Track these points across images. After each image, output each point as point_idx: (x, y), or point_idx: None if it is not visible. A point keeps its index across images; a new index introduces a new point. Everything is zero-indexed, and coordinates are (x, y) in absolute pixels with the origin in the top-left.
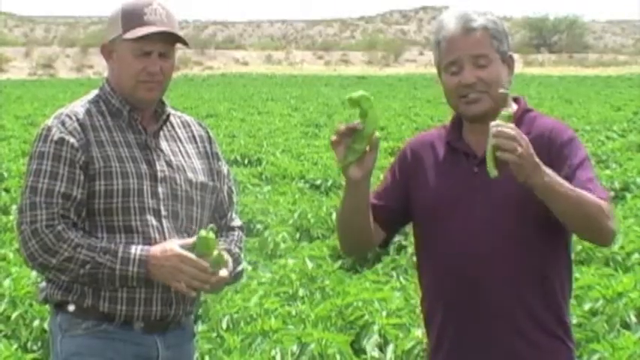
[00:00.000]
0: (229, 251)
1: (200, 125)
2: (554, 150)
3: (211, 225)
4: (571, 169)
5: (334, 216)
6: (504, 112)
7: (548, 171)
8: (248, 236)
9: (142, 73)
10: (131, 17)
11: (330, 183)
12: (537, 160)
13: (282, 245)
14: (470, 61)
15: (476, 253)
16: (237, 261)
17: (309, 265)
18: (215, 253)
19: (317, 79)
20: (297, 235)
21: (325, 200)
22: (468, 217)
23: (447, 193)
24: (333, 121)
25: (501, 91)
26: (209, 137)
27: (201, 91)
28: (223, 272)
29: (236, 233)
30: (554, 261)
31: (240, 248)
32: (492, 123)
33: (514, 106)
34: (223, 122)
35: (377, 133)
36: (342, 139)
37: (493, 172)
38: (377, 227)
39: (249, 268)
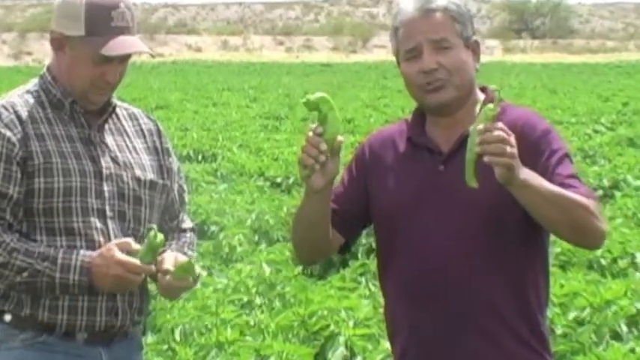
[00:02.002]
0: (183, 255)
1: (149, 118)
2: (528, 144)
3: (151, 225)
4: (549, 165)
5: None
6: (487, 109)
7: (525, 169)
8: (201, 239)
9: (99, 79)
10: (96, 20)
11: (291, 180)
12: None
13: (239, 249)
14: (430, 45)
15: (441, 259)
16: None
17: (268, 270)
18: (185, 260)
19: (277, 67)
20: (255, 238)
21: (286, 199)
22: (431, 221)
23: (409, 195)
24: (295, 112)
25: (492, 87)
26: (159, 131)
27: (151, 80)
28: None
29: (188, 236)
30: (529, 267)
31: (193, 252)
32: (474, 127)
33: (481, 97)
34: (174, 114)
35: (340, 137)
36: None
37: (473, 182)
38: (335, 232)
39: (203, 273)
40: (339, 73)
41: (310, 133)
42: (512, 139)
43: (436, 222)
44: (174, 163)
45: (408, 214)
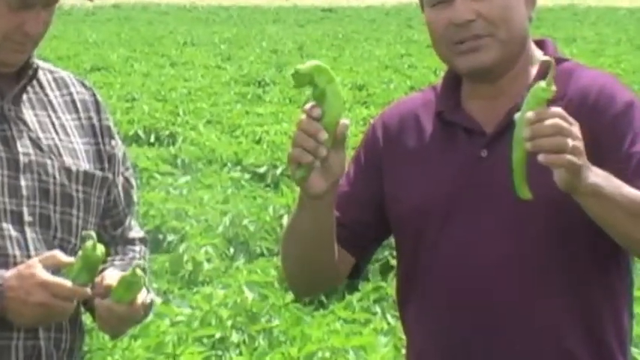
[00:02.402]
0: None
1: (83, 85)
2: (603, 124)
3: (88, 232)
4: (632, 155)
5: (285, 221)
6: (539, 89)
7: (596, 169)
8: (155, 252)
9: (16, 32)
10: None
11: (279, 171)
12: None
13: (207, 266)
14: None
15: (485, 279)
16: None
17: (249, 295)
18: (130, 275)
19: (261, 14)
20: (230, 251)
21: (273, 197)
22: (471, 228)
23: (439, 193)
24: (285, 76)
25: (544, 59)
26: (96, 103)
27: (85, 31)
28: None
29: (137, 249)
30: (606, 292)
31: (144, 270)
32: (522, 114)
33: (538, 54)
34: (117, 79)
35: (344, 120)
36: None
37: (525, 192)
38: (342, 252)
39: (158, 300)
40: (346, 22)
41: (304, 118)
42: (576, 129)
43: (478, 229)
44: (119, 148)
45: (439, 220)
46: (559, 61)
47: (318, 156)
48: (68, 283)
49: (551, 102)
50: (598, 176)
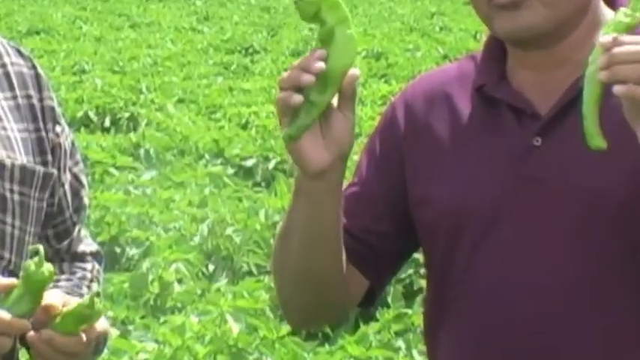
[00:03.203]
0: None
1: (19, 54)
2: None
3: (35, 246)
4: None
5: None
6: (620, 11)
7: None
8: (111, 270)
9: None
10: None
11: (273, 164)
12: None
13: (178, 288)
14: None
15: (541, 300)
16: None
17: (233, 326)
18: (79, 303)
19: None
20: (209, 269)
21: (263, 198)
22: (523, 235)
23: (481, 191)
24: (280, 41)
25: (622, 12)
26: (37, 77)
27: None
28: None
29: (88, 266)
30: None
31: (98, 295)
32: (599, 41)
33: (607, 14)
34: (62, 45)
35: (354, 70)
36: (293, 94)
37: (598, 139)
38: (352, 272)
39: (114, 331)
40: None
41: (302, 58)
42: None
43: (530, 237)
44: (65, 136)
45: (480, 226)
46: None
47: (317, 104)
48: (4, 314)
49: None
50: None
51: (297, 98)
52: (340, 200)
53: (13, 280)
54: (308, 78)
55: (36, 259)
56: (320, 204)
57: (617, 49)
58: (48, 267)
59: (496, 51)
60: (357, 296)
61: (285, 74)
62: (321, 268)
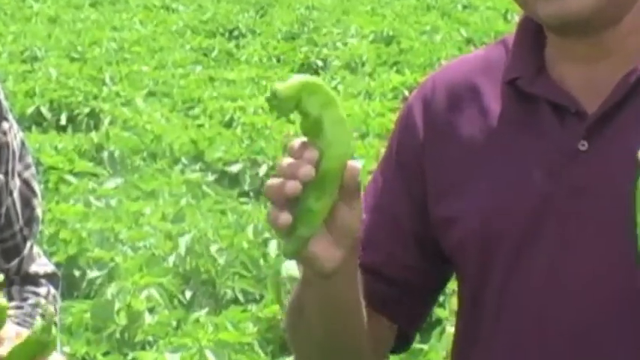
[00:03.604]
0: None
1: None
2: None
3: None
4: None
5: (274, 248)
6: None
7: None
8: (69, 296)
9: None
10: None
11: (263, 170)
12: None
13: (150, 318)
14: None
15: (589, 326)
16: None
17: None
18: (30, 338)
19: None
20: (186, 295)
21: (251, 211)
22: (568, 255)
23: (518, 203)
24: (272, 23)
25: None
26: None
27: None
28: None
29: (42, 291)
30: None
31: (55, 325)
32: None
33: None
34: (9, 27)
35: (354, 163)
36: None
37: None
38: (376, 317)
39: None
40: None
41: (287, 162)
42: None
43: (576, 256)
44: (14, 135)
45: (517, 243)
46: None
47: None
48: None
49: None
50: None
51: (286, 218)
52: (356, 280)
53: None
54: (294, 187)
55: None
56: (337, 289)
57: None
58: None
59: (532, 36)
60: (387, 343)
61: (269, 182)
62: (347, 338)
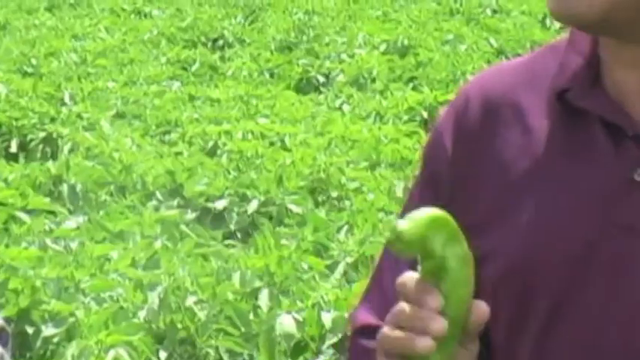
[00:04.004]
0: None
1: None
2: None
3: None
4: None
5: (265, 299)
6: None
7: None
8: (20, 358)
9: None
10: None
11: (253, 207)
12: None
13: None
14: None
15: None
16: None
17: None
18: None
19: None
20: (160, 356)
21: (239, 254)
22: (619, 298)
23: (559, 242)
24: (264, 30)
25: None
26: None
27: None
28: None
29: None
30: None
31: None
32: None
33: None
34: None
35: (484, 307)
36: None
37: None
38: None
39: None
40: None
41: (410, 311)
42: None
43: (627, 299)
44: None
45: (561, 286)
46: None
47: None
48: None
49: None
50: None
51: (425, 345)
52: None
53: None
54: (428, 346)
55: None
56: None
57: None
58: None
59: (588, 40)
60: None
61: (389, 332)
62: None
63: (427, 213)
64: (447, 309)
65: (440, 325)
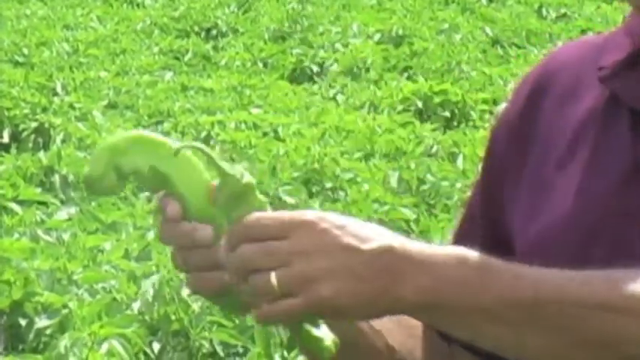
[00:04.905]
0: None
1: None
2: None
3: None
4: None
5: None
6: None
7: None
8: (13, 351)
9: None
10: None
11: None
12: None
13: None
14: None
15: None
16: None
17: None
18: None
19: None
20: (154, 348)
21: None
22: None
23: (570, 220)
24: (258, 20)
25: None
26: None
27: None
28: None
29: None
30: None
31: None
32: None
33: None
34: None
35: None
36: None
37: None
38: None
39: None
40: None
41: (161, 224)
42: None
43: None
44: None
45: (568, 263)
46: None
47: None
48: None
49: None
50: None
51: (212, 282)
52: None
53: None
54: (215, 285)
55: None
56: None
57: None
58: None
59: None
60: None
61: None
62: None
63: (104, 145)
64: (189, 211)
65: (199, 233)
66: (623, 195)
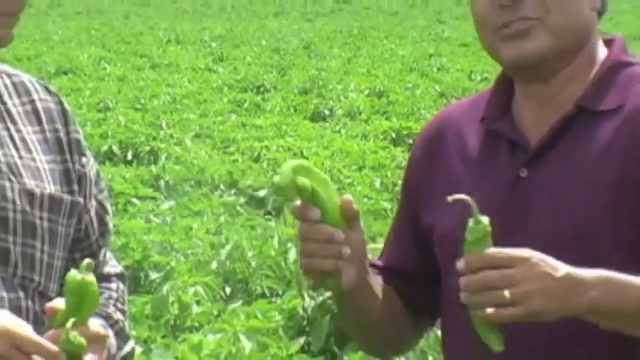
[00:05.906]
0: (106, 318)
1: (47, 91)
2: None
3: (87, 261)
4: None
5: (293, 255)
6: (476, 221)
7: (589, 275)
8: (134, 292)
9: None
10: None
11: None
12: (564, 269)
13: (196, 309)
14: None
15: (523, 326)
16: (120, 336)
17: (246, 344)
18: (68, 326)
19: (260, 5)
20: (226, 291)
21: (276, 226)
22: None
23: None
24: (290, 80)
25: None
26: (63, 112)
27: (48, 26)
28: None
29: (113, 286)
30: None
31: (123, 313)
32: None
33: (601, 53)
34: (87, 84)
35: (346, 197)
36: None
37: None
38: (422, 296)
39: (138, 350)
40: (363, 15)
41: (302, 228)
42: (521, 257)
43: None
44: (90, 166)
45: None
46: (625, 63)
47: (344, 257)
48: (35, 336)
49: (605, 115)
50: (602, 284)
51: (329, 264)
52: (374, 287)
53: (60, 302)
54: (332, 265)
55: (76, 273)
56: (364, 302)
57: (469, 279)
58: (90, 279)
59: (505, 85)
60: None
61: (306, 244)
62: (374, 325)
63: (289, 164)
64: (326, 217)
65: (341, 250)
66: (506, 199)
